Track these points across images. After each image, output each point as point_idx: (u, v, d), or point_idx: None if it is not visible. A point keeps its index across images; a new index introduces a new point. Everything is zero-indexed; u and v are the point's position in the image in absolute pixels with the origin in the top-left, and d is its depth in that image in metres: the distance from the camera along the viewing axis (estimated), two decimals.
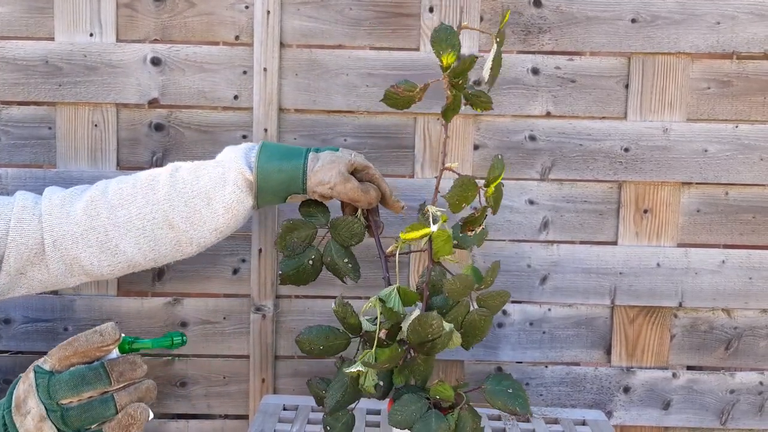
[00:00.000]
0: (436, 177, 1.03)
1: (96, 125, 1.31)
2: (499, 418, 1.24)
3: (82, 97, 1.30)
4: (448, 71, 0.94)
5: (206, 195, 1.07)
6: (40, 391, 0.75)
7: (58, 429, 0.74)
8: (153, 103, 1.31)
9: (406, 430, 0.94)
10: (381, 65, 1.31)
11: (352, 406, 1.00)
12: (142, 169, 1.15)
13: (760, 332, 1.38)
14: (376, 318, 0.96)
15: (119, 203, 1.08)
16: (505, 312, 1.36)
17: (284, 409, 1.25)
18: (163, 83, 1.31)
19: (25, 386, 0.76)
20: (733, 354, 1.38)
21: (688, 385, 1.38)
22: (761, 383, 1.38)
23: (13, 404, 0.76)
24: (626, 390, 1.38)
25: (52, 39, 1.29)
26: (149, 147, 1.32)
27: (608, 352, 1.37)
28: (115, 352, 0.78)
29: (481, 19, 1.31)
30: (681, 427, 1.39)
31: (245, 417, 1.38)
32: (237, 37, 1.31)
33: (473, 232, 1.00)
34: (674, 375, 1.38)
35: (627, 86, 1.33)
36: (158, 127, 1.32)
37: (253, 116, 1.31)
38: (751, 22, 1.31)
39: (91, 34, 1.29)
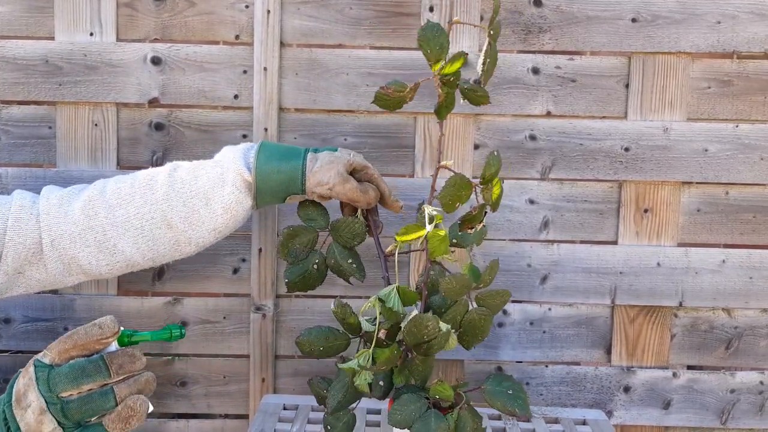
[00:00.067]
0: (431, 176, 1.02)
1: (96, 125, 1.31)
2: (499, 418, 1.24)
3: (83, 97, 1.30)
4: (438, 69, 0.94)
5: (204, 195, 1.07)
6: (40, 385, 0.75)
7: (59, 422, 0.75)
8: (153, 103, 1.31)
9: (406, 429, 0.94)
10: (381, 65, 1.31)
11: (353, 405, 1.00)
12: (142, 168, 1.15)
13: (760, 332, 1.38)
14: (376, 318, 0.96)
15: (117, 203, 1.08)
16: (505, 311, 1.36)
17: (284, 409, 1.25)
18: (163, 83, 1.31)
19: (25, 380, 0.76)
20: (734, 353, 1.38)
21: (688, 385, 1.38)
22: (761, 383, 1.38)
23: (13, 398, 0.76)
24: (626, 389, 1.38)
25: (53, 38, 1.29)
26: (149, 146, 1.32)
27: (608, 351, 1.37)
28: (114, 345, 0.78)
29: (481, 18, 1.30)
30: (681, 427, 1.39)
31: (245, 417, 1.38)
32: (237, 37, 1.31)
33: (473, 230, 1.00)
34: (674, 374, 1.38)
35: (627, 86, 1.33)
36: (158, 127, 1.32)
37: (253, 116, 1.31)
38: (751, 22, 1.31)
39: (92, 34, 1.29)
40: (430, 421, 0.93)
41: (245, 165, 1.08)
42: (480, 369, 1.37)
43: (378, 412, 1.24)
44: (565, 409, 1.32)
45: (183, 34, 1.30)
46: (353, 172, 1.09)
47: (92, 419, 0.76)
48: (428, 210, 0.93)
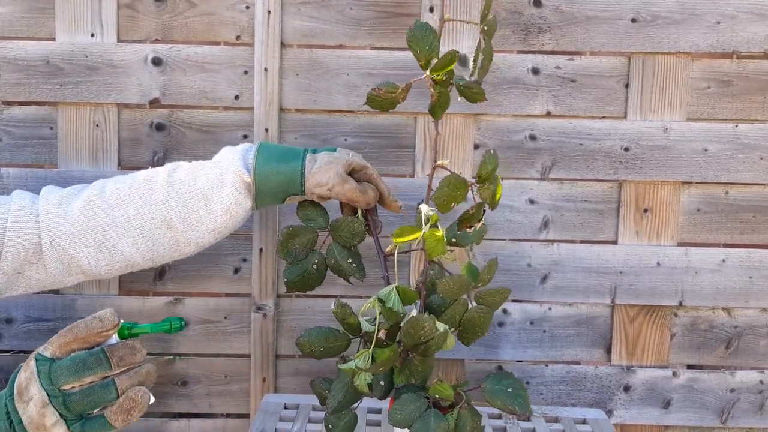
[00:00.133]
0: (428, 175, 1.02)
1: (97, 125, 1.32)
2: (500, 417, 1.25)
3: (84, 97, 1.31)
4: (429, 69, 0.94)
5: (204, 196, 1.07)
6: (41, 378, 0.75)
7: (61, 414, 0.75)
8: (154, 103, 1.32)
9: (406, 429, 0.94)
10: (381, 65, 1.31)
11: (355, 405, 1.01)
12: (143, 169, 1.15)
13: (760, 331, 1.38)
14: (376, 318, 0.96)
15: (117, 203, 1.08)
16: (505, 311, 1.36)
17: (285, 408, 1.26)
18: (164, 83, 1.31)
19: (26, 374, 0.76)
20: (734, 353, 1.38)
21: (688, 384, 1.38)
22: (761, 382, 1.38)
23: (15, 392, 0.76)
24: (626, 389, 1.38)
25: (54, 39, 1.30)
26: (150, 147, 1.32)
27: (608, 351, 1.38)
28: (114, 338, 0.79)
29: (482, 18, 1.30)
30: (681, 426, 1.39)
31: (246, 416, 1.38)
32: (238, 37, 1.31)
33: (472, 229, 0.99)
34: (674, 374, 1.38)
35: (627, 86, 1.33)
36: (159, 127, 1.32)
37: (254, 116, 1.31)
38: (751, 22, 1.31)
39: (92, 35, 1.30)
40: (429, 420, 0.93)
41: (244, 166, 1.08)
42: (480, 368, 1.37)
43: (379, 411, 1.24)
44: (565, 408, 1.32)
45: (184, 35, 1.31)
46: (352, 173, 1.09)
47: (94, 411, 0.77)
48: (425, 210, 0.93)
